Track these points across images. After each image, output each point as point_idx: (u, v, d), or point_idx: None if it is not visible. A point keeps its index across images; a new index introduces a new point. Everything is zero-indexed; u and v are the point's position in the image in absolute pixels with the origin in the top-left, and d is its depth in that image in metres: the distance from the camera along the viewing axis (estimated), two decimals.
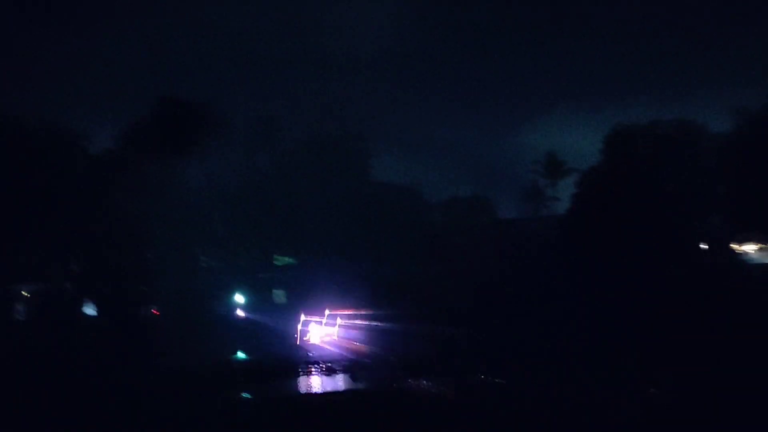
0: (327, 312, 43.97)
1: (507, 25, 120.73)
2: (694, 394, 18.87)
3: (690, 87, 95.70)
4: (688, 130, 49.96)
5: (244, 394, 27.31)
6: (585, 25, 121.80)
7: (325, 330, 43.96)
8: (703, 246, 48.48)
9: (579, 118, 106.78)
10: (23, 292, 45.86)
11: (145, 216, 44.18)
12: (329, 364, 35.23)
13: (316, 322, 44.29)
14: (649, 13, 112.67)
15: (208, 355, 34.38)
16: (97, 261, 46.40)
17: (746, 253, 49.46)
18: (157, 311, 47.27)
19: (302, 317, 44.44)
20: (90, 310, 47.79)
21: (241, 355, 36.51)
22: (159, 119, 48.15)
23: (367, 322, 42.33)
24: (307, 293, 46.38)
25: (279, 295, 51.08)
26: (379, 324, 41.63)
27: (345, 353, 38.96)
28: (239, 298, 48.71)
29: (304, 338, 43.79)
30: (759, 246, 49.13)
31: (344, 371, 33.95)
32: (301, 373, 32.94)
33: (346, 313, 44.00)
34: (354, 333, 42.40)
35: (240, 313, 47.81)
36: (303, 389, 28.61)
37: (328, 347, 41.67)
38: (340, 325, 43.59)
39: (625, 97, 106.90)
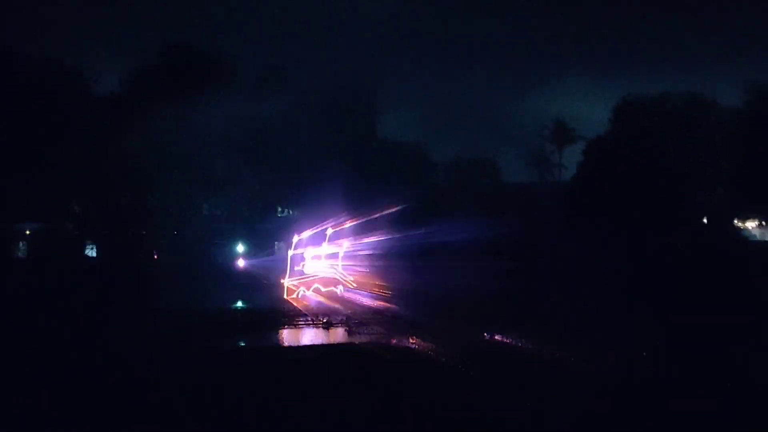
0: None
1: None
2: (680, 363, 19.05)
3: (703, 59, 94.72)
4: (698, 103, 49.77)
5: (241, 343, 27.34)
6: None
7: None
8: (704, 221, 48.66)
9: (589, 86, 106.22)
10: (26, 231, 45.93)
11: (147, 160, 43.97)
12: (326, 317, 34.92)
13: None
14: None
15: (204, 302, 34.35)
16: (98, 202, 46.42)
17: (747, 229, 49.68)
18: (157, 255, 47.43)
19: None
20: (90, 251, 48.04)
21: (239, 303, 36.49)
22: (165, 64, 47.66)
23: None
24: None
25: (280, 247, 51.11)
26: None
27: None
28: (240, 247, 48.69)
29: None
30: (759, 223, 49.35)
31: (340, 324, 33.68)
32: (295, 324, 32.73)
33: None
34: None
35: (240, 262, 47.80)
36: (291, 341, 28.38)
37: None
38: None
39: (637, 67, 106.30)
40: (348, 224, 42.03)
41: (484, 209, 46.20)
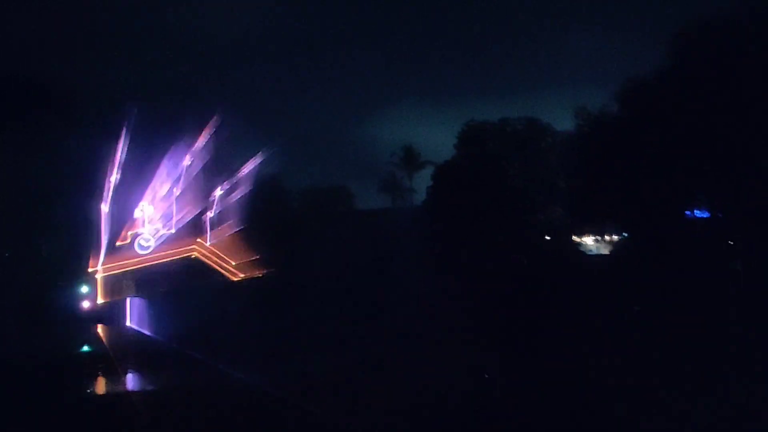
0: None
1: (357, 17, 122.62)
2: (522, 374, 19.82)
3: (537, 86, 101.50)
4: (535, 128, 53.13)
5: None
6: (431, 22, 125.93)
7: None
8: (547, 237, 51.55)
9: (430, 113, 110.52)
10: None
11: None
12: None
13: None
14: (497, 14, 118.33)
15: (52, 348, 32.13)
16: None
17: (585, 244, 53.16)
18: None
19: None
20: None
21: (86, 348, 34.31)
22: None
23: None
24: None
25: (129, 285, 48.95)
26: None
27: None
28: (85, 288, 46.12)
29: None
30: (595, 238, 52.98)
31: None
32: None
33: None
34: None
35: (86, 304, 45.27)
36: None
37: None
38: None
39: (476, 94, 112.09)
40: None
41: (338, 236, 46.41)
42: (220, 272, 46.94)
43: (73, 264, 47.07)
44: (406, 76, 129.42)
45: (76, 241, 47.58)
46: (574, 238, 53.32)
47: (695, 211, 40.46)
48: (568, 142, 48.91)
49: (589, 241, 54.40)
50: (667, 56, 39.55)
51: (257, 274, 44.70)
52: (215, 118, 47.35)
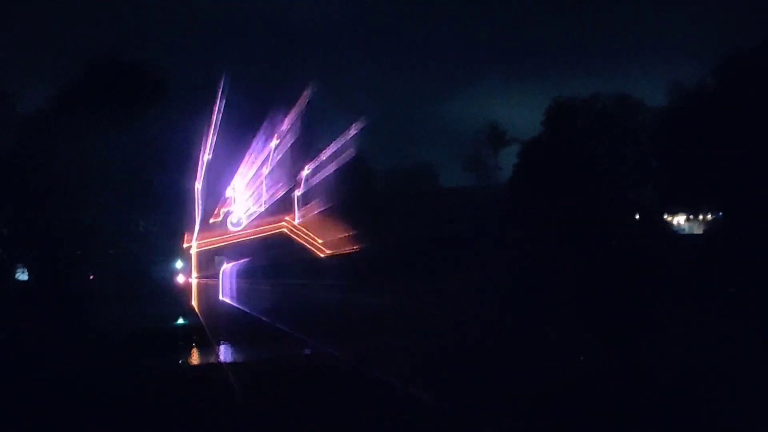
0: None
1: None
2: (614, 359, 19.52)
3: (628, 61, 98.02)
4: (626, 104, 51.47)
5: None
6: None
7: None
8: (636, 217, 50.24)
9: (519, 90, 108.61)
10: None
11: (80, 177, 42.84)
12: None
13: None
14: None
15: (147, 321, 33.72)
16: (28, 224, 44.96)
17: (677, 224, 51.55)
18: (93, 276, 46.27)
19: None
20: (22, 275, 46.49)
21: (181, 321, 35.94)
22: (95, 79, 46.60)
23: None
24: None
25: (221, 261, 50.75)
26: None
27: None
28: (179, 264, 48.06)
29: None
30: (687, 217, 51.29)
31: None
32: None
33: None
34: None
35: (180, 278, 47.23)
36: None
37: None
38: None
39: (565, 69, 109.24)
40: None
41: (423, 215, 46.74)
42: (307, 249, 48.06)
43: (168, 239, 48.98)
44: (492, 52, 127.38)
45: (172, 218, 49.48)
46: (666, 217, 51.74)
47: None
48: (661, 119, 47.39)
49: (681, 220, 52.70)
50: None
51: (344, 251, 45.57)
52: (304, 97, 48.19)
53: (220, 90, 47.91)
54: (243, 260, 45.85)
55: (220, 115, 48.11)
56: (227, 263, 48.56)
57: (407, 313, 29.38)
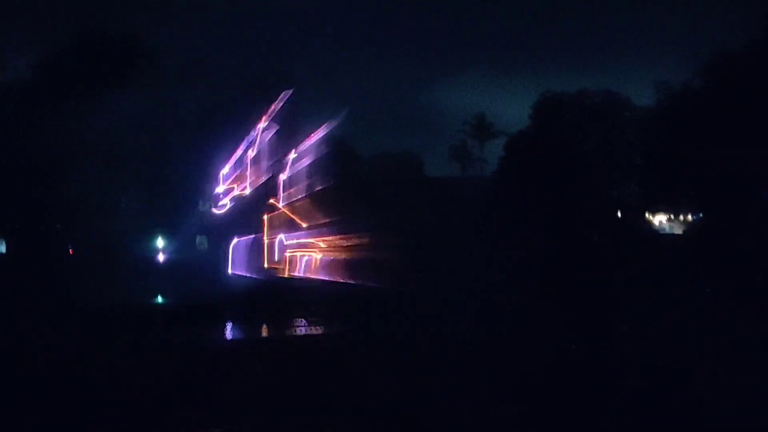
0: None
1: None
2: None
3: (616, 59, 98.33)
4: (613, 101, 51.59)
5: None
6: None
7: None
8: (619, 214, 50.62)
9: (503, 82, 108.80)
10: None
11: (62, 150, 42.33)
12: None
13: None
14: None
15: (125, 297, 33.44)
16: (7, 195, 44.39)
17: (658, 223, 52.02)
18: (72, 250, 45.87)
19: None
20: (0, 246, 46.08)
21: (159, 299, 35.70)
22: (80, 51, 45.95)
23: None
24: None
25: (202, 242, 50.61)
26: None
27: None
28: (160, 242, 47.78)
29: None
30: (668, 216, 51.76)
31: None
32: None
33: None
34: None
35: (161, 256, 47.02)
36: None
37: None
38: None
39: (552, 65, 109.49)
40: None
41: (407, 203, 46.72)
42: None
43: (150, 218, 48.59)
44: (480, 44, 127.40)
45: (154, 197, 49.10)
46: (648, 216, 52.17)
47: None
48: (647, 118, 47.61)
49: (662, 219, 53.18)
50: (757, 29, 38.02)
51: (326, 236, 45.64)
52: (290, 82, 48.05)
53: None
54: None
55: (208, 98, 48.12)
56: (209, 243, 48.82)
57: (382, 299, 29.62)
